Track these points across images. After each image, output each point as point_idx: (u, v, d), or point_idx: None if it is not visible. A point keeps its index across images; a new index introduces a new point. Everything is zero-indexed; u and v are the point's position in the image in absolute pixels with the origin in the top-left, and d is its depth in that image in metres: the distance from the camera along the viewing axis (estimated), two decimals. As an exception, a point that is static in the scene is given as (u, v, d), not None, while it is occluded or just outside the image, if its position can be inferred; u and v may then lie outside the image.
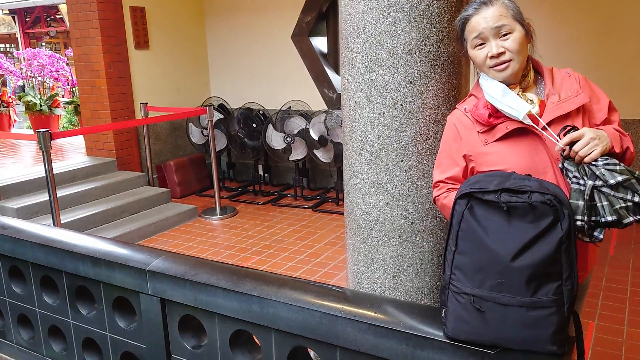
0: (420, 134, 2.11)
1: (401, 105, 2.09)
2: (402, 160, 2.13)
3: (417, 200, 2.16)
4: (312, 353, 2.35)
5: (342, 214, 5.94)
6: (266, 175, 7.11)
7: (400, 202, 2.17)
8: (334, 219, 5.87)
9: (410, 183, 2.15)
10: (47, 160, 4.21)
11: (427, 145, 2.13)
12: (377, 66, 2.10)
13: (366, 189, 2.23)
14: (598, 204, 1.62)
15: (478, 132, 1.82)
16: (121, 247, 2.70)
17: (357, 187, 2.28)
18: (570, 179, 1.66)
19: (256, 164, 7.01)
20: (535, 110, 1.75)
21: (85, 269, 2.67)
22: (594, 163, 1.61)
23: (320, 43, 6.68)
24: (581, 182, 1.63)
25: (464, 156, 1.85)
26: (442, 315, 1.76)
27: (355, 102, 2.19)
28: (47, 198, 4.91)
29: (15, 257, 3.02)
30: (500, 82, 1.77)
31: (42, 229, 3.03)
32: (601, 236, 1.65)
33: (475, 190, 1.63)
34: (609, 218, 1.61)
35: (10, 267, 3.11)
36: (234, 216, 6.04)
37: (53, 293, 2.98)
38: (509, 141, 1.78)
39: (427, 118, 2.10)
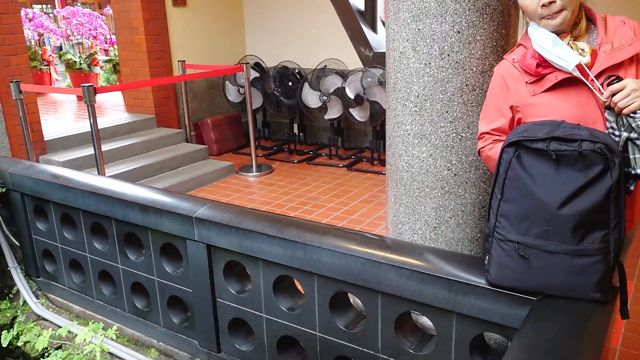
0: (467, 85, 2.10)
1: (448, 55, 2.07)
2: (447, 112, 2.13)
3: (461, 151, 2.17)
4: (351, 299, 2.42)
5: (377, 173, 5.96)
6: (301, 134, 7.13)
7: (444, 154, 2.18)
8: (368, 177, 5.89)
9: (454, 134, 2.15)
10: (92, 115, 4.32)
11: (473, 97, 2.12)
12: (424, 15, 2.08)
13: (409, 140, 2.24)
14: (630, 156, 1.61)
15: (526, 82, 1.80)
16: (168, 196, 2.80)
17: (400, 139, 2.29)
18: (607, 129, 1.65)
19: (291, 123, 7.03)
20: (586, 60, 1.72)
21: (134, 216, 2.79)
22: (632, 115, 1.59)
23: (356, 0, 6.57)
24: (616, 133, 1.62)
25: (511, 107, 1.84)
26: (485, 262, 1.79)
27: (401, 53, 2.18)
28: (91, 152, 5.06)
29: (66, 205, 3.16)
30: (551, 31, 1.73)
31: (92, 178, 3.15)
32: (632, 188, 1.64)
33: (524, 139, 1.63)
34: (639, 171, 1.60)
35: (62, 215, 3.26)
36: (270, 174, 6.12)
37: (103, 239, 3.12)
38: (558, 91, 1.76)
39: (474, 68, 2.09)
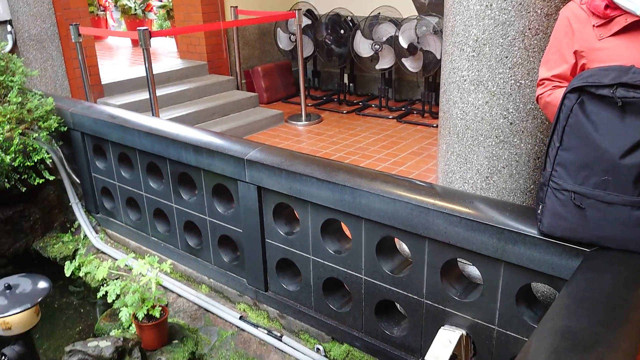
0: (529, 29, 2.00)
1: (511, -4, 1.98)
2: (506, 57, 2.05)
3: (518, 99, 2.10)
4: (398, 245, 2.44)
5: (428, 125, 5.85)
6: (351, 84, 7.05)
7: (501, 101, 2.12)
8: (418, 130, 5.80)
9: (513, 81, 2.08)
10: (147, 58, 4.39)
11: (535, 41, 2.02)
12: (488, -46, 1.98)
13: (465, 86, 2.18)
14: None
15: (593, 25, 1.71)
16: (220, 138, 2.85)
17: (455, 85, 2.23)
18: None
19: (342, 73, 6.95)
20: None
21: (187, 157, 2.86)
22: None
23: (414, -56, 6.30)
24: None
25: (575, 52, 1.75)
26: (538, 212, 1.75)
27: (461, -6, 2.09)
28: (146, 96, 5.18)
29: (123, 145, 3.27)
30: None
31: (148, 119, 3.23)
32: None
33: (588, 84, 1.56)
34: None
35: (120, 154, 3.38)
36: (319, 123, 6.12)
37: (158, 179, 3.23)
38: (627, 35, 1.66)
39: (539, 11, 1.99)
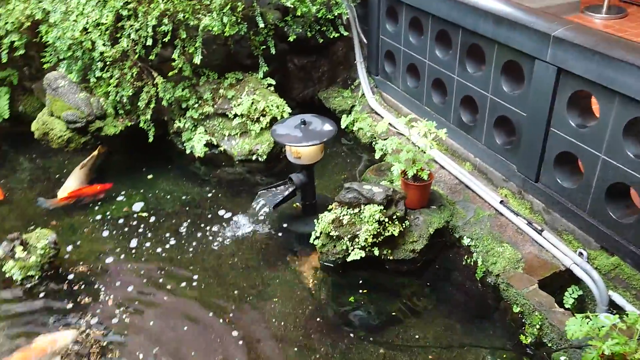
0: None
1: None
2: None
3: None
4: None
5: None
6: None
7: None
8: None
9: None
10: None
11: None
12: None
13: None
14: None
15: None
16: (525, 11, 2.63)
17: None
18: None
19: (667, -39, 5.72)
20: None
21: (485, 27, 2.73)
22: None
23: None
24: None
25: None
26: None
27: None
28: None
29: (418, 8, 3.26)
30: None
31: (448, -17, 3.13)
32: None
33: None
34: None
35: (412, 18, 3.39)
36: (622, 18, 5.25)
37: (445, 48, 3.18)
38: None
39: None
